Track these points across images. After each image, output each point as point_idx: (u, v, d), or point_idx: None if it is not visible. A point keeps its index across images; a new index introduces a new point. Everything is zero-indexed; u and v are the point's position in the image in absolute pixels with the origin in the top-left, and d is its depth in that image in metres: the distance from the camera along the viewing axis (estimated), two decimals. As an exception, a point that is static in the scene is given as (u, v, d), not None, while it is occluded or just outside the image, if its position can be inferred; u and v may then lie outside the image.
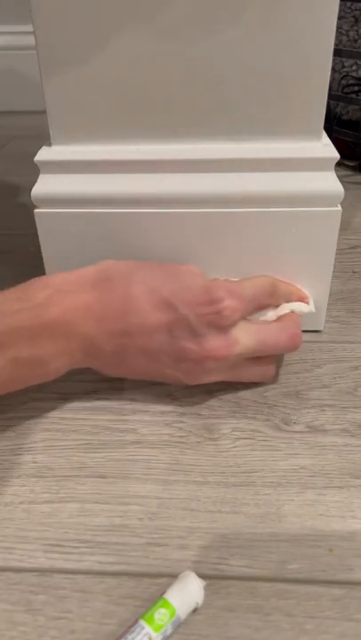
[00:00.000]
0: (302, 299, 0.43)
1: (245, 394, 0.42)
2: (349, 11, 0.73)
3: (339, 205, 0.41)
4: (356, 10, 0.73)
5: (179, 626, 0.28)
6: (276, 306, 0.41)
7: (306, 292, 0.44)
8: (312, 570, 0.31)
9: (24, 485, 0.36)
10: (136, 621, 0.28)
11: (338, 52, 0.72)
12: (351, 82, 0.76)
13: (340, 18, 0.72)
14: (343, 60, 0.76)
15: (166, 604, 0.28)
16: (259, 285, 0.40)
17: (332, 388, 0.42)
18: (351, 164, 0.76)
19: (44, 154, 0.42)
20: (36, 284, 0.37)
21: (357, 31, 0.74)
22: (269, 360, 0.41)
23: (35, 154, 0.42)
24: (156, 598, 0.29)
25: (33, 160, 0.42)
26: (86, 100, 0.40)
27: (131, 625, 0.28)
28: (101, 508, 0.34)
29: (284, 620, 0.29)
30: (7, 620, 0.29)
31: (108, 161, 0.42)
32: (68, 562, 0.31)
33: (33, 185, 0.42)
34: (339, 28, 0.74)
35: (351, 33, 0.74)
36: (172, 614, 0.28)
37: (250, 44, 0.38)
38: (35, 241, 0.44)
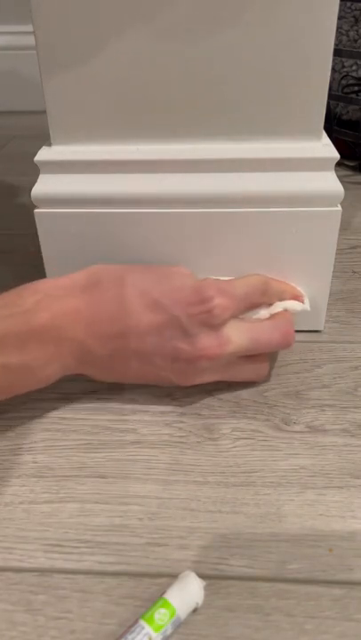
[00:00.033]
0: (297, 297, 0.43)
1: (245, 394, 0.42)
2: (349, 11, 0.73)
3: (339, 205, 0.42)
4: (356, 10, 0.73)
5: (179, 626, 0.28)
6: (270, 304, 0.41)
7: (301, 289, 0.44)
8: (312, 570, 0.31)
9: (24, 485, 0.36)
10: (136, 621, 0.28)
11: (338, 52, 0.73)
12: (351, 82, 0.76)
13: (340, 18, 0.72)
14: (343, 59, 0.76)
15: (166, 604, 0.28)
16: (250, 284, 0.40)
17: (332, 388, 0.42)
18: (351, 164, 0.76)
19: (44, 154, 0.42)
20: (25, 290, 0.37)
21: (357, 31, 0.74)
22: (263, 358, 0.41)
23: (35, 154, 0.42)
24: (156, 598, 0.29)
25: (33, 160, 0.42)
26: (86, 100, 0.41)
27: (131, 625, 0.28)
28: (101, 507, 0.34)
29: (284, 619, 0.29)
30: (7, 620, 0.29)
31: (108, 161, 0.42)
32: (68, 562, 0.31)
33: (33, 185, 0.42)
34: (339, 27, 0.74)
35: (351, 33, 0.74)
36: (172, 614, 0.28)
37: (250, 44, 0.38)
38: (35, 241, 0.44)
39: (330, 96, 0.58)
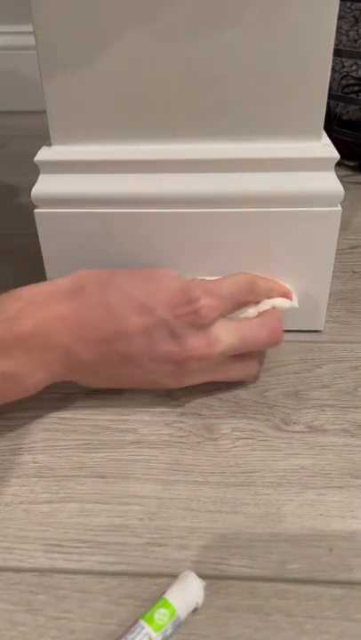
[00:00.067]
0: (285, 294, 0.43)
1: (245, 394, 0.42)
2: (349, 11, 0.73)
3: (339, 205, 0.42)
4: (356, 10, 0.73)
5: (179, 626, 0.28)
6: (258, 302, 0.41)
7: (289, 287, 0.44)
8: (312, 570, 0.31)
9: (24, 485, 0.36)
10: (136, 621, 0.28)
11: (338, 52, 0.73)
12: (351, 82, 0.76)
13: (340, 18, 0.72)
14: (343, 59, 0.76)
15: (166, 604, 0.28)
16: (237, 283, 0.40)
17: (332, 388, 0.42)
18: (351, 163, 0.76)
19: (44, 154, 0.42)
20: (7, 297, 0.37)
21: (357, 31, 0.74)
22: (252, 357, 0.41)
23: (35, 154, 0.42)
24: (156, 598, 0.29)
25: (33, 160, 0.42)
26: (86, 100, 0.41)
27: (131, 625, 0.28)
28: (101, 507, 0.34)
29: (284, 619, 0.29)
30: (7, 620, 0.29)
31: (108, 161, 0.42)
32: (68, 562, 0.31)
33: (33, 185, 0.42)
34: (339, 27, 0.74)
35: (351, 33, 0.74)
36: (172, 614, 0.28)
37: (250, 44, 0.38)
38: (35, 241, 0.44)
39: (330, 96, 0.58)
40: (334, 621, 0.28)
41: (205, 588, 0.29)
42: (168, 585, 0.29)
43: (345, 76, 0.76)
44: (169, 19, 0.37)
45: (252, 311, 0.41)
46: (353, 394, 0.41)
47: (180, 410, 0.41)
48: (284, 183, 0.41)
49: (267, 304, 0.41)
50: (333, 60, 0.67)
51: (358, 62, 0.75)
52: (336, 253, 0.43)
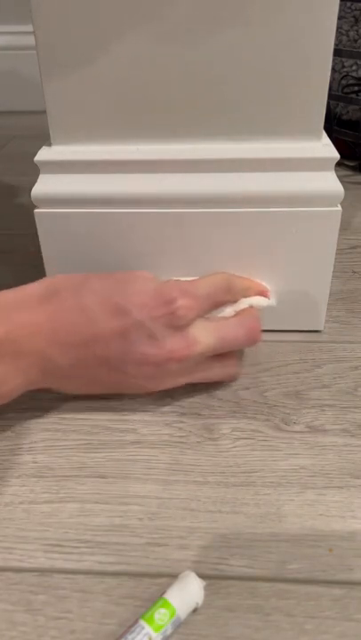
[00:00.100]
0: (262, 293, 0.43)
1: (245, 394, 0.42)
2: (349, 11, 0.73)
3: (339, 205, 0.42)
4: (356, 10, 0.73)
5: (179, 626, 0.28)
6: (234, 302, 0.41)
7: (266, 285, 0.44)
8: (312, 570, 0.31)
9: (24, 485, 0.36)
10: (136, 621, 0.28)
11: (338, 52, 0.73)
12: (351, 82, 0.76)
13: (340, 18, 0.72)
14: (343, 59, 0.76)
15: (166, 604, 0.28)
16: (213, 282, 0.40)
17: (332, 388, 0.42)
18: (351, 163, 0.76)
19: (44, 154, 0.42)
20: None
21: (357, 31, 0.74)
22: (231, 357, 0.41)
23: (35, 154, 0.42)
24: (156, 598, 0.29)
25: (33, 160, 0.42)
26: (86, 100, 0.41)
27: (131, 625, 0.28)
28: (101, 507, 0.34)
29: (284, 619, 0.29)
30: (7, 620, 0.29)
31: (108, 161, 0.42)
32: (68, 562, 0.31)
33: (33, 185, 0.42)
34: (339, 27, 0.74)
35: (351, 33, 0.74)
36: (172, 614, 0.28)
37: (250, 44, 0.38)
38: (35, 241, 0.44)
39: (330, 96, 0.58)
40: (334, 621, 0.28)
41: (205, 588, 0.29)
42: (168, 585, 0.29)
43: (345, 75, 0.76)
44: (169, 19, 0.37)
45: (229, 310, 0.41)
46: (353, 394, 0.41)
47: (180, 410, 0.41)
48: (284, 183, 0.41)
49: (244, 303, 0.41)
50: (333, 60, 0.67)
51: (358, 62, 0.75)
52: (336, 253, 0.43)
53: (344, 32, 0.74)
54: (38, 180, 0.43)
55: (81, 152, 0.42)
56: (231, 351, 0.41)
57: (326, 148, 0.41)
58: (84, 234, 0.43)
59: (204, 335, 0.38)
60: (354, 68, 0.76)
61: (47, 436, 0.39)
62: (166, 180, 0.42)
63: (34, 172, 0.43)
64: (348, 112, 0.77)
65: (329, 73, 0.39)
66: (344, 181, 0.44)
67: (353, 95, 0.76)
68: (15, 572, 0.31)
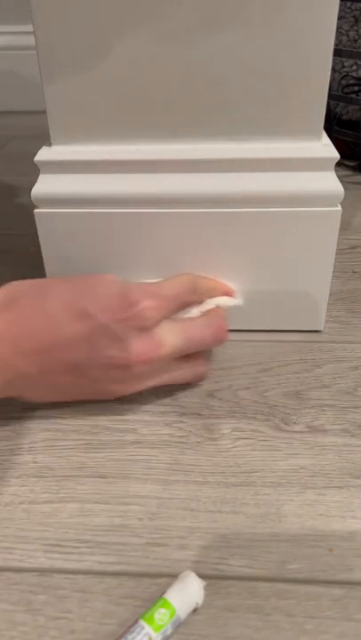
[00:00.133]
0: (228, 293, 0.43)
1: (245, 394, 0.42)
2: (349, 11, 0.73)
3: (339, 205, 0.42)
4: (356, 10, 0.73)
5: (179, 626, 0.28)
6: (200, 302, 0.41)
7: (232, 285, 0.44)
8: (312, 570, 0.31)
9: (24, 485, 0.36)
10: (136, 621, 0.28)
11: (338, 52, 0.73)
12: (351, 82, 0.76)
13: (340, 18, 0.72)
14: (343, 59, 0.76)
15: (166, 604, 0.28)
16: (178, 283, 0.40)
17: (332, 388, 0.42)
18: (351, 163, 0.76)
19: (44, 154, 0.42)
20: None
21: (357, 31, 0.74)
22: (199, 357, 0.41)
23: (35, 154, 0.42)
24: (156, 598, 0.29)
25: (33, 160, 0.42)
26: (86, 100, 0.40)
27: (131, 625, 0.28)
28: (101, 508, 0.34)
29: (284, 619, 0.29)
30: (7, 620, 0.29)
31: (108, 161, 0.42)
32: (68, 562, 0.31)
33: (33, 185, 0.42)
34: (339, 27, 0.74)
35: (351, 33, 0.74)
36: (172, 614, 0.28)
37: (250, 44, 0.38)
38: (35, 241, 0.44)
39: (330, 96, 0.58)
40: (334, 621, 0.28)
41: (205, 588, 0.29)
42: (168, 585, 0.29)
43: (345, 75, 0.76)
44: (169, 19, 0.37)
45: (195, 311, 0.40)
46: (353, 394, 0.41)
47: (180, 410, 0.41)
48: (284, 183, 0.41)
49: (210, 303, 0.41)
50: (333, 60, 0.67)
51: (358, 62, 0.75)
52: (336, 253, 0.43)
53: (344, 32, 0.74)
54: (38, 180, 0.43)
55: (81, 152, 0.42)
56: (199, 351, 0.41)
57: (326, 148, 0.41)
58: (84, 234, 0.43)
59: (170, 336, 0.37)
60: (354, 68, 0.76)
61: (47, 436, 0.39)
62: (166, 180, 0.42)
63: (34, 172, 0.43)
64: (348, 112, 0.77)
65: (329, 73, 0.39)
66: (344, 181, 0.44)
67: (353, 95, 0.76)
68: (15, 572, 0.31)
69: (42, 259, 0.45)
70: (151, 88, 0.40)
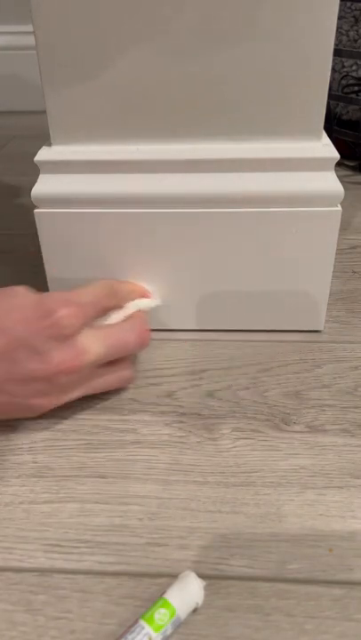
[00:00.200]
0: (145, 294, 0.43)
1: (245, 394, 0.42)
2: (349, 11, 0.73)
3: (339, 205, 0.41)
4: (356, 10, 0.73)
5: (179, 626, 0.28)
6: (120, 307, 0.41)
7: (146, 286, 0.44)
8: (312, 570, 0.31)
9: (24, 485, 0.36)
10: (136, 621, 0.28)
11: (338, 52, 0.73)
12: (351, 82, 0.76)
13: (340, 18, 0.73)
14: (343, 59, 0.76)
15: (166, 604, 0.28)
16: (95, 289, 0.39)
17: (332, 388, 0.42)
18: (351, 163, 0.76)
19: (44, 154, 0.42)
20: None
21: (357, 31, 0.74)
22: (124, 362, 0.41)
23: (35, 154, 0.42)
24: (156, 598, 0.29)
25: (33, 160, 0.42)
26: (86, 100, 0.40)
27: (131, 625, 0.28)
28: (101, 507, 0.34)
29: (284, 619, 0.29)
30: (7, 620, 0.29)
31: (108, 161, 0.42)
32: (68, 562, 0.31)
33: (33, 185, 0.42)
34: (339, 27, 0.74)
35: (351, 33, 0.74)
36: (172, 614, 0.28)
37: (250, 44, 0.38)
38: (35, 241, 0.44)
39: (330, 96, 0.58)
40: (334, 621, 0.28)
41: (205, 588, 0.29)
42: (168, 585, 0.29)
43: (345, 75, 0.76)
44: (169, 19, 0.37)
45: (115, 316, 0.40)
46: (353, 394, 0.41)
47: (180, 410, 0.41)
48: (284, 183, 0.41)
49: (131, 307, 0.41)
50: (333, 60, 0.67)
51: (358, 62, 0.75)
52: (336, 253, 0.43)
53: (344, 32, 0.74)
54: (38, 180, 0.43)
55: (81, 152, 0.42)
56: (123, 356, 0.40)
57: (326, 148, 0.41)
58: (84, 234, 0.43)
59: (93, 343, 0.37)
60: (354, 68, 0.76)
61: (47, 436, 0.39)
62: (166, 180, 0.42)
63: (34, 172, 0.43)
64: (348, 112, 0.77)
65: (329, 73, 0.39)
66: (344, 181, 0.44)
67: (353, 95, 0.76)
68: (15, 572, 0.31)
69: (42, 259, 0.45)
70: (151, 88, 0.40)
